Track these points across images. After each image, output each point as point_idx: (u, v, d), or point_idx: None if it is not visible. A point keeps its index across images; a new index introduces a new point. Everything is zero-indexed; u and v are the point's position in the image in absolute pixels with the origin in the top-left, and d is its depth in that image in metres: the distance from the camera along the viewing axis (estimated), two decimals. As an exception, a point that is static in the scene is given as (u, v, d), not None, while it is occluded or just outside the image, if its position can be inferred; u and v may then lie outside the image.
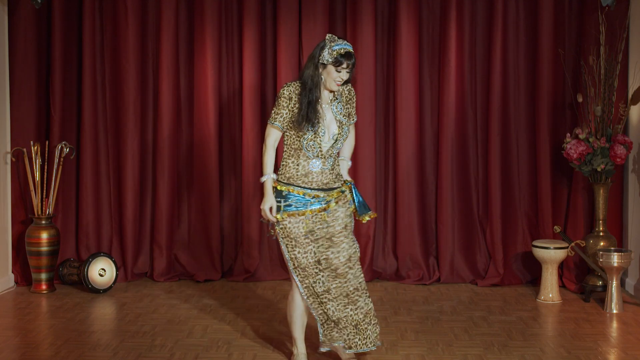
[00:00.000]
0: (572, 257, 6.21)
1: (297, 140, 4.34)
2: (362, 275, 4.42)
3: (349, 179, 4.54)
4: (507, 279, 6.47)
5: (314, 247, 4.35)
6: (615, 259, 5.59)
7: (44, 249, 6.18)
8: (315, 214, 4.34)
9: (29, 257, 6.22)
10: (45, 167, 6.36)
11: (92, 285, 6.16)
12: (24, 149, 6.30)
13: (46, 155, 6.41)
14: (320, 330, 4.43)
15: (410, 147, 6.56)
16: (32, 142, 6.33)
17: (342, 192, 4.43)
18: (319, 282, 4.35)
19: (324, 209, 4.36)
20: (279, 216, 4.33)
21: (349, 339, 4.38)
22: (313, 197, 4.34)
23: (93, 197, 6.61)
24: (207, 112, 6.56)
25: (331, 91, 4.40)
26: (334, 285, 4.35)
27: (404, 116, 6.54)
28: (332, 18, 6.62)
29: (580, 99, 6.14)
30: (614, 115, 6.07)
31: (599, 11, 6.06)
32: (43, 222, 6.22)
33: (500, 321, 5.40)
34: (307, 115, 4.28)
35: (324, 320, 4.41)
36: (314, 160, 4.34)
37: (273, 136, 4.40)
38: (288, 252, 4.36)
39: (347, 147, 4.61)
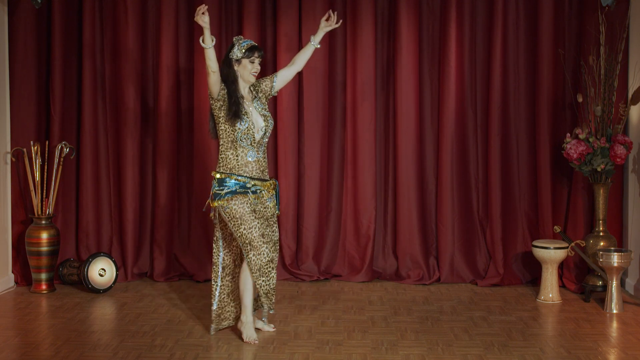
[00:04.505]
0: (572, 257, 6.21)
1: (232, 132, 4.91)
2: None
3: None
4: (507, 279, 6.47)
5: (258, 222, 4.90)
6: (615, 259, 5.59)
7: (44, 249, 6.18)
8: (254, 199, 4.93)
9: (29, 257, 6.22)
10: (45, 167, 6.37)
11: (92, 285, 6.16)
12: (24, 149, 6.30)
13: (46, 155, 6.41)
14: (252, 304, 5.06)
15: (410, 147, 6.56)
16: (32, 142, 6.33)
17: (271, 184, 5.05)
18: (264, 254, 4.87)
19: (258, 197, 4.96)
20: (216, 203, 4.90)
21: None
22: (253, 185, 4.93)
23: (93, 197, 6.61)
24: (207, 112, 6.55)
25: (250, 84, 5.02)
26: (276, 256, 4.99)
27: (404, 116, 6.54)
28: (332, 18, 6.61)
29: (580, 99, 6.15)
30: (614, 115, 6.07)
31: (599, 11, 6.06)
32: (43, 222, 6.22)
33: (500, 321, 5.40)
34: (235, 110, 4.88)
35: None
36: (249, 151, 4.93)
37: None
38: (235, 231, 4.89)
39: (302, 58, 5.22)
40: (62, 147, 6.35)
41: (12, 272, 6.42)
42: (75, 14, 6.57)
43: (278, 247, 5.04)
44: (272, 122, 5.06)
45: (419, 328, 5.23)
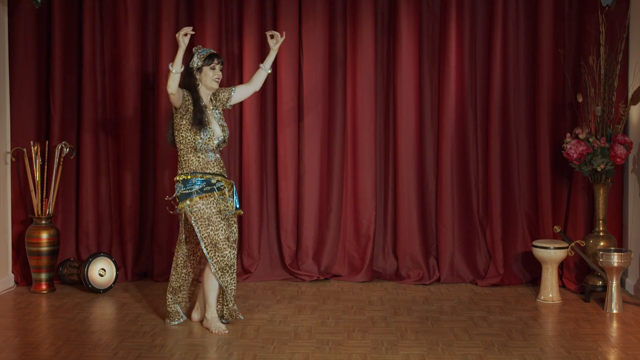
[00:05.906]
0: (572, 257, 6.21)
1: (192, 141, 5.06)
2: None
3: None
4: (507, 279, 6.47)
5: (224, 225, 5.05)
6: (615, 259, 5.60)
7: (44, 249, 6.18)
8: (219, 196, 5.07)
9: (29, 257, 6.22)
10: (45, 167, 6.36)
11: (92, 285, 6.16)
12: (24, 149, 6.30)
13: (46, 155, 6.41)
14: (225, 302, 5.23)
15: (410, 147, 6.56)
16: (32, 142, 6.33)
17: (230, 184, 5.19)
18: (227, 257, 5.04)
19: (222, 193, 5.10)
20: (183, 204, 5.03)
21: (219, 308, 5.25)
22: (217, 181, 5.08)
23: (93, 197, 6.61)
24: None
25: (212, 90, 5.18)
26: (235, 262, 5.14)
27: (404, 116, 6.55)
28: (332, 18, 6.62)
29: (580, 99, 6.15)
30: (614, 115, 6.07)
31: (599, 11, 6.06)
32: (43, 222, 6.22)
33: (500, 321, 5.40)
34: (200, 118, 5.03)
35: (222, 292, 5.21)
36: (209, 152, 5.10)
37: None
38: (200, 232, 5.03)
39: (258, 80, 5.44)
40: (62, 147, 6.35)
41: (12, 272, 6.42)
42: (75, 14, 6.57)
43: (236, 247, 5.21)
44: (228, 132, 5.25)
45: (419, 328, 5.23)
